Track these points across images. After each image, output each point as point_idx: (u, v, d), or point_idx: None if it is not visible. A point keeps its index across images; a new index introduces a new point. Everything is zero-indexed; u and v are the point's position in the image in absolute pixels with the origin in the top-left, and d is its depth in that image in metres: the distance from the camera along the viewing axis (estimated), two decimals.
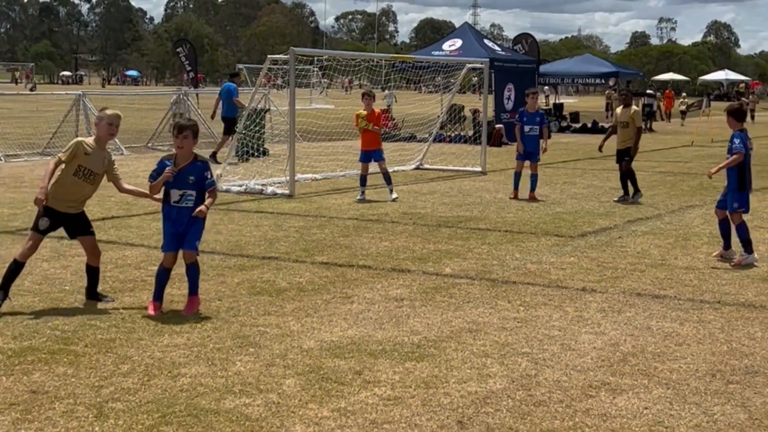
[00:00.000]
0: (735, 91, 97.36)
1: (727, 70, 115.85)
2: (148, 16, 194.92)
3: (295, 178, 16.95)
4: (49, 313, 8.05)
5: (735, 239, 10.98)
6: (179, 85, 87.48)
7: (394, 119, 31.84)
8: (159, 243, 11.31)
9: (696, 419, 5.74)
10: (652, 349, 7.27)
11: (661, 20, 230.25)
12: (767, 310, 8.53)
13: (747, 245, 10.71)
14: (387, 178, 16.43)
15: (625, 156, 16.18)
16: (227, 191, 16.94)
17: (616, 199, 16.28)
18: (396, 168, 21.62)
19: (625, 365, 6.84)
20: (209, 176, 8.21)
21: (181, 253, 8.21)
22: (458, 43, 32.38)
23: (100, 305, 8.35)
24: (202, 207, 8.07)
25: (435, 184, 18.90)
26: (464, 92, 27.14)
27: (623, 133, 16.22)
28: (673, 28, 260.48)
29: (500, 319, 8.14)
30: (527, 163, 16.91)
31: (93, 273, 8.60)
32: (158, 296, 8.24)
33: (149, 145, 28.35)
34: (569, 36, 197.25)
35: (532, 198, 16.41)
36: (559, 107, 43.14)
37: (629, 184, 16.23)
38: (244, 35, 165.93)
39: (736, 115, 11.20)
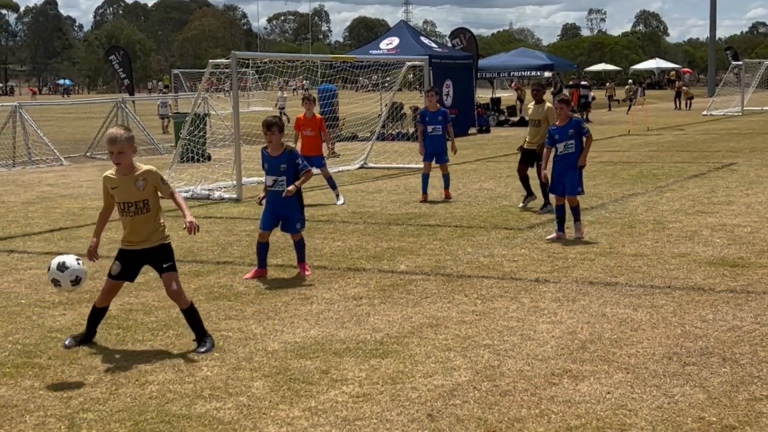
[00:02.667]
0: (667, 79, 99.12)
1: (657, 59, 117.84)
2: (77, 24, 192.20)
3: (242, 181, 16.93)
4: (7, 327, 7.99)
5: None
6: (112, 92, 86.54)
7: (336, 119, 31.83)
8: (110, 253, 11.26)
9: (657, 401, 5.91)
10: (609, 335, 7.45)
11: (590, 11, 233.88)
12: (716, 292, 8.77)
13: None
14: (331, 183, 16.14)
15: (535, 159, 14.27)
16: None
17: (521, 205, 14.87)
18: (340, 168, 21.71)
19: (584, 352, 7.01)
20: (300, 161, 9.82)
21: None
22: (395, 41, 32.57)
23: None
24: (290, 187, 9.64)
25: (381, 183, 19.02)
26: (400, 89, 27.19)
27: (534, 132, 14.48)
28: (602, 19, 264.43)
29: (459, 312, 8.27)
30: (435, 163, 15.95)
31: (187, 316, 7.37)
32: (261, 264, 9.89)
33: (88, 154, 28.08)
34: (501, 30, 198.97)
35: (447, 196, 15.87)
36: (496, 101, 43.55)
37: (523, 185, 14.93)
38: (177, 40, 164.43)
39: (569, 104, 12.18)
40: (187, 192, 17.14)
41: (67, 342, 7.38)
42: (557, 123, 12.06)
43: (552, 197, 12.57)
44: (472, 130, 35.22)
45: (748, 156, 22.71)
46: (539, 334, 7.55)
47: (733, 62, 53.09)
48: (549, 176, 12.01)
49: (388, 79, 27.62)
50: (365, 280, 9.64)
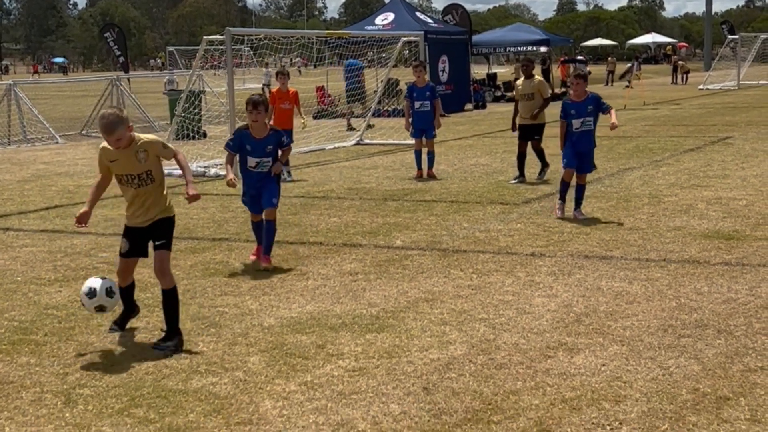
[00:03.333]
0: (663, 54, 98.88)
1: (653, 33, 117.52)
2: (72, 2, 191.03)
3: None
4: (3, 304, 7.99)
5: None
6: (107, 70, 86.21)
7: (330, 96, 31.80)
8: (106, 230, 11.27)
9: (652, 373, 5.93)
10: (604, 308, 7.47)
11: None
12: (711, 265, 8.78)
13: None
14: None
15: (534, 134, 14.82)
16: (169, 175, 16.80)
17: (512, 181, 14.86)
18: (336, 144, 21.70)
19: (579, 325, 7.02)
20: (285, 139, 9.43)
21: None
22: (390, 17, 32.43)
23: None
24: (277, 164, 9.31)
25: (377, 159, 18.99)
26: (395, 66, 27.14)
27: (527, 107, 14.74)
28: None
29: (455, 287, 8.28)
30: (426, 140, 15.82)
31: (165, 298, 6.90)
32: (260, 240, 9.47)
33: (83, 132, 28.02)
34: (497, 5, 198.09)
35: (431, 175, 15.58)
36: (492, 77, 43.42)
37: (518, 164, 14.98)
38: (171, 17, 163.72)
39: (587, 79, 11.86)
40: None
41: (111, 328, 7.17)
42: (573, 98, 11.54)
43: (562, 171, 11.75)
44: (468, 106, 35.14)
45: (743, 130, 22.69)
46: (534, 307, 7.56)
47: (729, 36, 52.93)
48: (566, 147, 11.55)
49: (383, 55, 27.52)
50: (361, 256, 9.65)
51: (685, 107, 32.45)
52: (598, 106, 11.55)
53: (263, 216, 9.31)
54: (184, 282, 8.66)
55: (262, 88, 35.93)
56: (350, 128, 25.33)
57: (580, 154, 11.55)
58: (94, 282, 6.90)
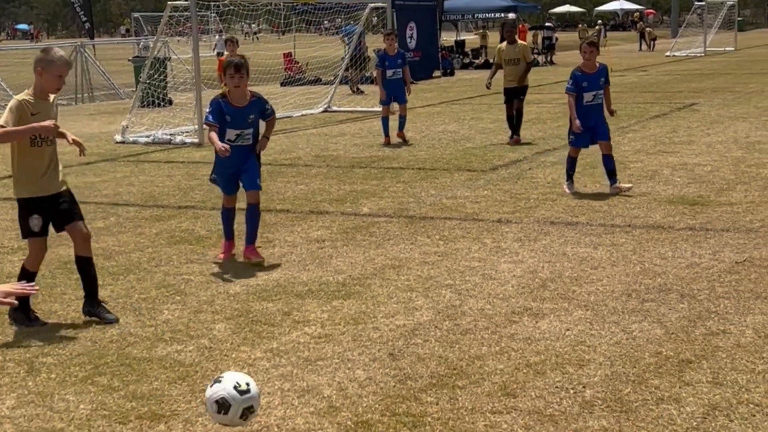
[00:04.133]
0: (630, 20, 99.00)
1: (621, 0, 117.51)
2: None
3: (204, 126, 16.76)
4: None
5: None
6: (72, 37, 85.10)
7: (298, 63, 31.60)
8: None
9: (616, 337, 5.98)
10: (569, 273, 7.51)
11: None
12: (675, 230, 8.85)
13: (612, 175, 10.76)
14: None
15: (519, 94, 15.41)
16: (135, 142, 16.72)
17: (510, 141, 15.37)
18: (303, 112, 21.58)
19: (544, 291, 7.06)
20: (268, 107, 8.27)
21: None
22: None
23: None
24: (262, 141, 8.23)
25: (345, 126, 18.92)
26: (365, 33, 27.05)
27: (511, 71, 15.29)
28: None
29: (421, 254, 8.28)
30: (396, 106, 16.12)
31: (85, 265, 6.68)
32: (229, 235, 8.35)
33: None
34: None
35: (401, 137, 15.86)
36: (460, 44, 43.33)
37: (513, 123, 15.56)
38: None
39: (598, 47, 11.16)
40: (148, 137, 16.99)
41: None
42: (585, 69, 10.95)
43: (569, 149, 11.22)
44: (437, 73, 35.06)
45: (709, 96, 22.81)
46: (500, 273, 7.59)
47: (696, 3, 53.08)
48: (579, 124, 10.76)
49: (351, 22, 27.33)
50: (328, 223, 9.63)
51: (652, 74, 32.56)
52: (607, 78, 11.11)
53: (246, 200, 8.20)
54: (149, 250, 8.61)
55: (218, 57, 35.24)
56: (358, 92, 26.87)
57: (590, 128, 10.87)
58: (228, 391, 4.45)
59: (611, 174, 10.80)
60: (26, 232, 6.48)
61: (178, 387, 5.35)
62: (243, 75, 7.90)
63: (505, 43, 15.51)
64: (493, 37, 49.90)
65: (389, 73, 15.94)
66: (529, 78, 15.58)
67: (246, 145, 8.11)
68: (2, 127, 6.16)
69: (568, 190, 10.91)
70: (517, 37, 16.09)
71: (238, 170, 8.17)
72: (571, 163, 11.03)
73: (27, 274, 6.44)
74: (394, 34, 16.66)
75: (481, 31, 48.53)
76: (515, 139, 15.40)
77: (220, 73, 15.42)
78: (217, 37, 46.41)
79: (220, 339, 6.13)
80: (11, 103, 6.36)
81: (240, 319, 6.52)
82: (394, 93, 15.94)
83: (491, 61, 40.72)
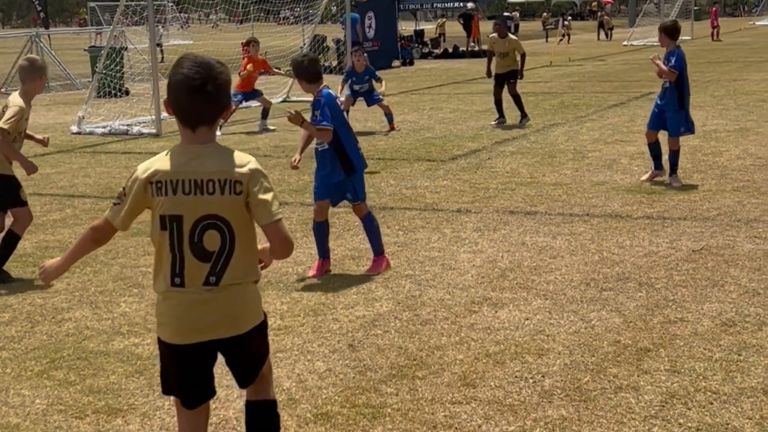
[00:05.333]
0: (588, 10, 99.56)
1: None
2: None
3: (161, 116, 16.62)
4: None
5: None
6: (27, 27, 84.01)
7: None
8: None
9: (575, 326, 6.00)
10: (528, 263, 7.53)
11: None
12: (633, 219, 8.91)
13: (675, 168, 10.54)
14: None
15: (509, 78, 16.12)
16: (91, 133, 16.53)
17: (493, 122, 16.21)
18: None
19: (504, 280, 7.07)
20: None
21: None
22: None
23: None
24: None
25: (305, 116, 18.77)
26: (324, 22, 26.98)
27: (502, 61, 16.21)
28: None
29: None
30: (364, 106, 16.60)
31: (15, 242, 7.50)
32: (324, 253, 7.48)
33: (2, 89, 27.28)
34: None
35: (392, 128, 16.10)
36: (419, 34, 43.32)
37: (516, 106, 16.20)
38: None
39: (669, 33, 10.46)
40: (105, 127, 16.80)
41: None
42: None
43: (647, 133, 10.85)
44: (396, 63, 35.03)
45: None
46: (460, 263, 7.59)
47: None
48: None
49: (310, 11, 27.22)
50: (288, 214, 9.57)
51: (610, 63, 32.77)
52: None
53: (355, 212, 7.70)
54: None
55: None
56: None
57: (662, 115, 10.53)
58: None
59: (673, 167, 10.55)
60: None
61: (136, 381, 5.29)
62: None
63: (495, 35, 16.41)
64: (450, 26, 49.99)
65: (356, 87, 16.17)
66: (518, 62, 16.26)
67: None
68: (5, 131, 7.06)
69: (647, 175, 10.75)
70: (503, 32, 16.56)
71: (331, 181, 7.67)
72: (651, 149, 10.74)
73: None
74: (362, 51, 16.73)
75: (440, 20, 48.50)
76: (499, 122, 16.21)
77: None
78: (161, 28, 43.96)
79: None
80: (17, 109, 7.13)
81: None
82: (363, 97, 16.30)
83: (449, 50, 40.94)
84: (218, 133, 14.94)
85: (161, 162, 3.56)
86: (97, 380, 5.31)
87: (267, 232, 3.60)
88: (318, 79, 7.28)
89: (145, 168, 3.56)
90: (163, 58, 28.53)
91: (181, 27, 50.26)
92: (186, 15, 49.70)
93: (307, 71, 7.34)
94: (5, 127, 7.02)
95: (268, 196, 3.57)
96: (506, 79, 16.17)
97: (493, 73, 16.46)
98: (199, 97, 3.50)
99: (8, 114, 7.06)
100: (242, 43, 31.74)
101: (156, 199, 3.54)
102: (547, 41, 49.67)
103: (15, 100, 7.17)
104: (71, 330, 6.16)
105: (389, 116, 16.33)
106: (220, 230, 3.55)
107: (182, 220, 3.54)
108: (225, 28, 48.25)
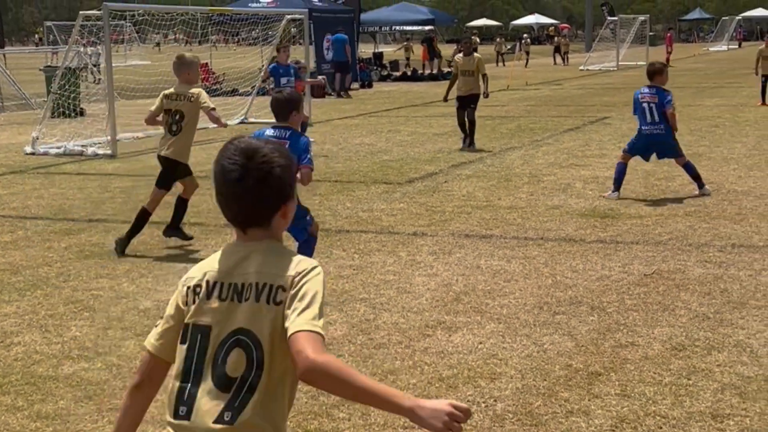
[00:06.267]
0: (546, 35, 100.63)
1: (537, 14, 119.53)
2: None
3: (117, 137, 16.51)
4: None
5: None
6: None
7: (215, 73, 31.34)
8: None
9: (527, 350, 6.03)
10: (483, 286, 7.56)
11: None
12: (586, 243, 8.98)
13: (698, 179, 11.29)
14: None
15: (470, 103, 16.20)
16: (45, 154, 16.37)
17: (461, 146, 16.16)
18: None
19: (458, 304, 7.09)
20: None
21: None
22: None
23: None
24: None
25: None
26: (283, 43, 27.02)
27: (467, 81, 16.25)
28: None
29: (336, 267, 8.26)
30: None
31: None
32: None
33: None
34: None
35: None
36: (378, 56, 43.49)
37: (468, 131, 16.27)
38: None
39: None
40: (59, 148, 16.65)
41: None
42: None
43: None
44: (355, 85, 35.12)
45: (621, 110, 23.24)
46: (415, 287, 7.60)
47: (609, 18, 54.18)
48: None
49: (270, 33, 27.24)
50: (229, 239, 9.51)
51: (566, 87, 33.10)
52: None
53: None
54: (58, 265, 8.42)
55: (93, 69, 32.63)
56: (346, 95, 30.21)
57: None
58: None
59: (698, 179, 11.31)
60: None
61: (85, 406, 5.23)
62: None
63: (461, 54, 16.63)
64: (416, 49, 50.23)
65: (283, 80, 16.00)
66: (484, 87, 16.45)
67: None
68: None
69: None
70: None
71: None
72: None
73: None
74: (286, 46, 17.15)
75: (405, 43, 48.68)
76: (465, 143, 16.24)
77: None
78: (91, 49, 36.05)
79: (128, 356, 6.01)
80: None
81: None
82: None
83: (408, 73, 41.11)
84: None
85: (209, 264, 2.81)
86: (45, 405, 5.24)
87: (293, 342, 2.57)
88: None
89: (189, 275, 2.83)
90: (98, 79, 28.14)
91: (139, 47, 49.96)
92: (144, 36, 49.48)
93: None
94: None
95: (313, 306, 2.63)
96: (469, 103, 16.25)
97: (456, 96, 16.38)
98: (240, 194, 2.73)
99: None
100: (201, 64, 31.79)
101: (188, 307, 2.77)
102: (498, 65, 50.03)
103: None
104: (20, 354, 6.07)
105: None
106: (247, 351, 2.65)
107: (209, 334, 2.70)
108: (183, 49, 48.12)
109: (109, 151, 16.12)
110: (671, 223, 9.74)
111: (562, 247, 8.82)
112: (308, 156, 6.89)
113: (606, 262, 8.24)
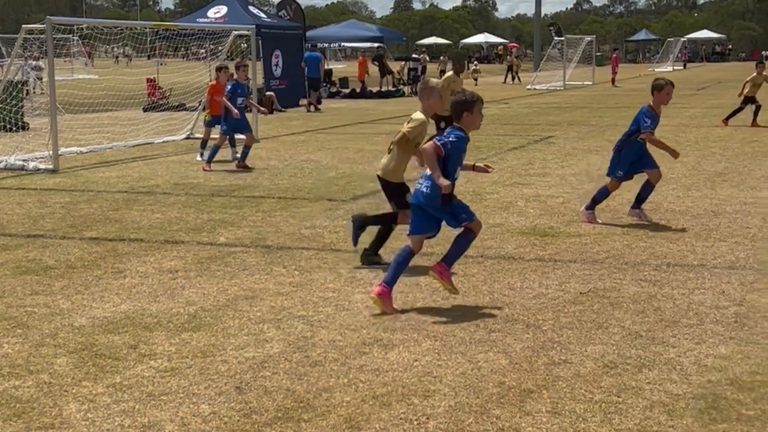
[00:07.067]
0: (494, 53, 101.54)
1: (486, 33, 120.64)
2: None
3: (59, 152, 16.34)
4: None
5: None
6: None
7: (161, 88, 31.16)
8: None
9: (462, 367, 6.07)
10: (421, 304, 7.59)
11: None
12: (525, 261, 9.06)
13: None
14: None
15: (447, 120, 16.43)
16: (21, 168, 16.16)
17: None
18: (166, 138, 21.27)
19: (396, 321, 7.11)
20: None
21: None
22: (223, 10, 32.02)
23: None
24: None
25: None
26: (232, 59, 26.92)
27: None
28: None
29: (276, 284, 8.25)
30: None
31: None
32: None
33: None
34: (335, 2, 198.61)
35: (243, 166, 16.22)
36: (328, 73, 43.53)
37: None
38: None
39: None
40: (0, 162, 16.43)
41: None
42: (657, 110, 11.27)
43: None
44: (303, 102, 35.11)
45: (565, 129, 23.55)
46: (354, 304, 7.62)
47: (556, 38, 54.82)
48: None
49: (220, 48, 27.19)
50: (183, 253, 9.49)
51: (513, 107, 33.41)
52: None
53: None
54: None
55: (33, 83, 32.09)
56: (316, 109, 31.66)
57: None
58: None
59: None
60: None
61: (13, 424, 5.16)
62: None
63: (452, 73, 17.45)
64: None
65: (239, 101, 16.38)
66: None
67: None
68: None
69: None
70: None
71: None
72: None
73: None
74: (246, 65, 17.35)
75: (360, 59, 48.75)
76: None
77: (210, 96, 17.20)
78: (33, 63, 33.61)
79: (61, 374, 5.95)
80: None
81: (84, 353, 6.35)
82: (242, 121, 16.49)
83: (357, 90, 41.17)
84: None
85: None
86: None
87: None
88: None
89: None
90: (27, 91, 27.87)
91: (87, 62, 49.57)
92: (90, 50, 49.12)
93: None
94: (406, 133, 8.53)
95: None
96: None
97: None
98: None
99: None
100: (147, 79, 31.57)
101: None
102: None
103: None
104: None
105: (247, 150, 16.49)
106: None
107: None
108: (140, 64, 47.76)
109: (51, 166, 15.95)
110: (609, 242, 9.87)
111: (501, 265, 8.90)
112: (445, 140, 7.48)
113: (543, 280, 8.32)
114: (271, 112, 29.42)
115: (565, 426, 5.12)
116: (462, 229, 7.63)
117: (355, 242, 9.10)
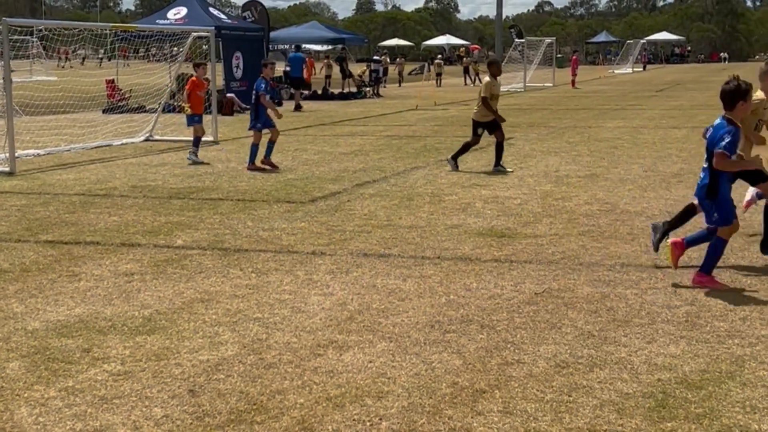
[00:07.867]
0: (456, 55, 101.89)
1: (448, 35, 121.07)
2: None
3: (16, 154, 16.19)
4: None
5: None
6: None
7: (121, 90, 30.95)
8: None
9: (416, 368, 6.10)
10: (377, 305, 7.62)
11: None
12: (482, 262, 9.12)
13: None
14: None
15: (480, 127, 16.37)
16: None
17: (450, 169, 16.03)
18: (124, 140, 21.13)
19: (351, 323, 7.14)
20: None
21: None
22: (183, 11, 31.85)
23: None
24: None
25: (166, 156, 18.63)
26: (191, 60, 26.83)
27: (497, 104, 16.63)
28: None
29: (232, 287, 8.24)
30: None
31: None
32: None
33: None
34: (297, 3, 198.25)
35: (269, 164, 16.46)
36: (289, 74, 43.40)
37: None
38: None
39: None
40: None
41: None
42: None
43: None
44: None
45: (525, 131, 23.68)
46: (310, 306, 7.63)
47: (517, 40, 55.13)
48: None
49: (181, 50, 27.07)
50: (139, 256, 9.45)
51: (474, 108, 33.48)
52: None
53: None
54: None
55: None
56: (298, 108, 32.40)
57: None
58: None
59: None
60: None
61: None
62: None
63: (489, 77, 16.72)
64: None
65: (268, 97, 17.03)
66: (480, 114, 16.60)
67: None
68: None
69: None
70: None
71: None
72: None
73: None
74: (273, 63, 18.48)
75: (326, 60, 48.64)
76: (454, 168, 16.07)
77: (190, 92, 17.56)
78: None
79: (12, 378, 5.91)
80: None
81: (36, 357, 6.31)
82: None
83: (318, 92, 41.13)
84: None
85: None
86: None
87: None
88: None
89: None
90: None
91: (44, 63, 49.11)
92: (49, 52, 48.62)
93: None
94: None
95: None
96: (479, 127, 16.45)
97: (489, 120, 16.33)
98: None
99: None
100: (106, 80, 31.34)
101: None
102: (399, 86, 50.45)
103: None
104: None
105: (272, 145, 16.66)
106: None
107: None
108: (88, 66, 47.39)
109: (7, 168, 15.80)
110: (565, 243, 9.96)
111: (458, 266, 8.95)
112: (723, 143, 7.70)
113: (499, 281, 8.38)
114: (230, 114, 29.32)
115: (516, 425, 5.17)
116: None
117: (657, 247, 9.03)
